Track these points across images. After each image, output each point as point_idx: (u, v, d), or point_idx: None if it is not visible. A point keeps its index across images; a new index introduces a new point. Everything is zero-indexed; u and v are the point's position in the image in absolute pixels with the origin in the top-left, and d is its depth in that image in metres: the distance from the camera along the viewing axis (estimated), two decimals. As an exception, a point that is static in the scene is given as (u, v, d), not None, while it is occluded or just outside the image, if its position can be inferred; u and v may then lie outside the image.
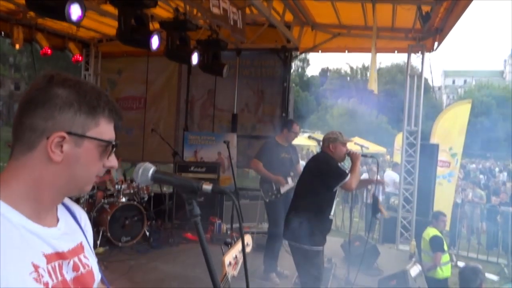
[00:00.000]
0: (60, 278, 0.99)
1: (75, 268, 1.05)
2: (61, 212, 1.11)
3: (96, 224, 5.83)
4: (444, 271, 6.01)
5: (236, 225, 5.84)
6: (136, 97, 8.79)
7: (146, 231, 6.20)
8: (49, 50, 7.25)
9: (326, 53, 9.34)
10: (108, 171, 5.16)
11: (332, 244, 3.97)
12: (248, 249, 1.86)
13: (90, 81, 8.58)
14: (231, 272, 1.69)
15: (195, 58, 6.01)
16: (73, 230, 1.12)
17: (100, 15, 6.58)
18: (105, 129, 1.03)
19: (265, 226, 6.23)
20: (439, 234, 6.17)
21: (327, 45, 7.67)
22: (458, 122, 9.57)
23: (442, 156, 8.97)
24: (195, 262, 5.33)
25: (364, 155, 4.36)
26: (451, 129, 9.54)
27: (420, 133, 7.22)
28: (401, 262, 6.07)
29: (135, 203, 6.17)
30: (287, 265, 5.52)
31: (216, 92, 8.28)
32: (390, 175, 11.39)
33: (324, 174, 3.82)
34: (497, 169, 23.89)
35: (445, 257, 6.10)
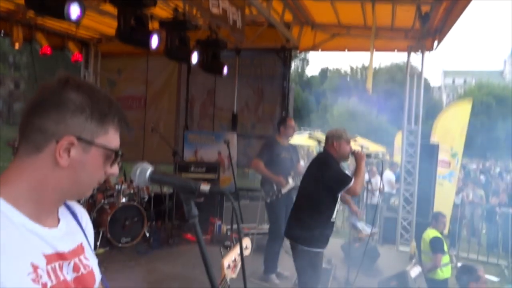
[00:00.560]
0: (60, 279, 0.99)
1: (76, 269, 1.05)
2: (62, 212, 1.10)
3: (96, 225, 5.82)
4: (444, 272, 6.00)
5: (236, 225, 5.83)
6: (136, 97, 8.78)
7: (146, 231, 6.19)
8: (48, 50, 7.24)
9: (325, 53, 9.36)
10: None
11: (332, 245, 3.95)
12: (247, 252, 1.85)
13: (89, 80, 8.63)
14: (230, 274, 1.68)
15: (194, 58, 6.01)
16: (74, 231, 1.12)
17: (99, 15, 6.57)
18: (113, 138, 1.04)
19: (265, 227, 6.23)
20: (439, 235, 6.16)
21: (327, 45, 7.67)
22: (459, 122, 9.56)
23: (442, 156, 8.96)
24: (195, 262, 5.32)
25: (368, 155, 4.27)
26: (451, 128, 9.53)
27: (420, 132, 7.21)
28: (401, 263, 6.07)
29: (135, 203, 6.16)
30: (287, 266, 5.51)
31: (216, 91, 8.29)
32: (387, 175, 11.39)
33: (327, 180, 3.70)
34: (498, 169, 23.88)
35: (445, 258, 6.10)
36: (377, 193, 10.91)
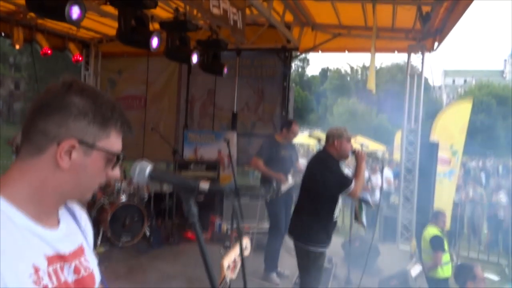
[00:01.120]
0: (61, 280, 0.99)
1: (76, 271, 1.06)
2: (62, 213, 1.11)
3: (96, 224, 5.84)
4: (445, 271, 6.00)
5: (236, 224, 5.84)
6: (136, 96, 8.80)
7: (146, 230, 6.21)
8: (49, 50, 7.26)
9: (326, 53, 9.36)
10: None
11: (333, 244, 3.96)
12: (246, 253, 1.86)
13: (90, 81, 8.65)
14: (230, 275, 1.69)
15: (195, 58, 6.02)
16: (74, 232, 1.13)
17: (100, 16, 6.58)
18: (114, 141, 1.05)
19: (265, 225, 6.24)
20: (439, 233, 6.16)
21: (327, 45, 7.66)
22: (459, 121, 9.55)
23: (442, 154, 8.96)
24: (196, 261, 5.29)
25: (369, 155, 4.26)
26: (451, 127, 9.52)
27: (420, 131, 7.21)
28: (401, 261, 6.07)
29: (135, 202, 6.17)
30: (287, 265, 5.53)
31: (216, 91, 8.30)
32: (384, 173, 11.39)
33: (328, 183, 3.68)
34: (498, 168, 23.85)
35: (446, 257, 6.10)
36: (377, 191, 10.93)
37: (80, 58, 8.13)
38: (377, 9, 5.78)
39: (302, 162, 5.61)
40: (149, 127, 7.75)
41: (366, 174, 11.59)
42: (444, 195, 8.97)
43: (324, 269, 4.28)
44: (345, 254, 6.02)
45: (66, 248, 1.05)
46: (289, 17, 6.89)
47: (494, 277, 8.51)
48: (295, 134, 5.40)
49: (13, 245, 0.90)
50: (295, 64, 45.64)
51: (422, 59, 6.99)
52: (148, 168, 1.13)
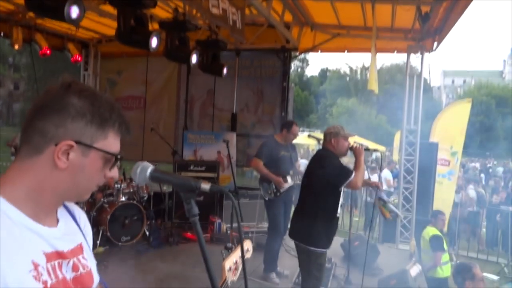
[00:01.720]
0: (59, 277, 1.00)
1: (75, 268, 1.06)
2: (61, 213, 1.12)
3: (95, 224, 5.84)
4: (444, 271, 6.01)
5: (236, 225, 5.84)
6: (136, 97, 8.80)
7: (145, 230, 6.20)
8: (48, 51, 7.24)
9: (325, 53, 9.36)
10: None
11: (332, 244, 3.96)
12: (248, 255, 1.85)
13: (89, 81, 8.65)
14: (231, 277, 1.68)
15: (194, 58, 6.01)
16: (73, 231, 1.13)
17: (99, 16, 6.58)
18: (112, 142, 1.05)
19: (264, 225, 6.24)
20: (439, 233, 6.16)
21: (327, 45, 7.67)
22: (459, 121, 9.57)
23: (442, 155, 8.98)
24: (195, 261, 5.34)
25: (367, 149, 4.29)
26: (451, 127, 9.54)
27: (420, 132, 7.22)
28: (401, 261, 6.07)
29: (135, 202, 6.17)
30: (287, 264, 5.53)
31: (215, 92, 8.30)
32: (384, 174, 11.41)
33: (328, 175, 3.72)
34: (497, 168, 23.88)
35: (445, 257, 6.10)
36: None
37: (79, 58, 8.12)
38: (376, 9, 5.78)
39: (302, 163, 5.62)
40: (148, 127, 7.75)
41: (366, 175, 11.61)
42: (444, 196, 9.00)
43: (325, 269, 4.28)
44: (344, 254, 6.03)
45: (65, 246, 1.05)
46: (288, 17, 6.89)
47: (493, 276, 8.51)
48: (295, 135, 5.40)
49: (12, 242, 0.91)
50: (294, 64, 45.72)
51: (422, 59, 7.00)
52: (150, 168, 1.14)
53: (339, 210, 3.86)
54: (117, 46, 6.67)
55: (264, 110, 8.12)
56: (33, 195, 0.99)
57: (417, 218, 7.05)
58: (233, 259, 1.72)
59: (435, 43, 6.92)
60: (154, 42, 4.99)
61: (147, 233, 6.24)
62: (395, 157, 13.32)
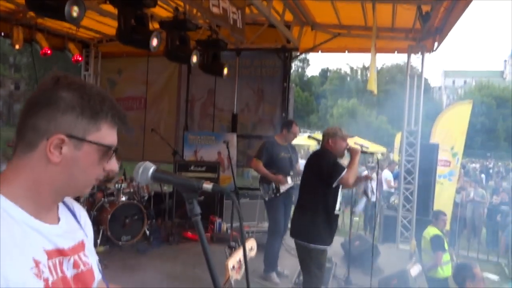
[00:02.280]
0: (60, 274, 1.00)
1: (76, 265, 1.06)
2: (62, 210, 1.12)
3: (96, 223, 5.83)
4: (445, 271, 6.00)
5: (236, 224, 5.84)
6: (136, 97, 8.80)
7: (146, 230, 6.20)
8: (49, 51, 7.25)
9: (326, 53, 9.35)
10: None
11: (333, 243, 3.97)
12: (252, 254, 1.85)
13: (90, 81, 8.64)
14: (235, 276, 1.68)
15: (195, 58, 6.01)
16: (74, 229, 1.13)
17: (100, 15, 6.58)
18: (107, 134, 1.04)
19: (264, 225, 6.24)
20: (439, 233, 6.16)
21: (327, 45, 7.66)
22: (459, 122, 9.58)
23: (443, 156, 8.98)
24: (196, 261, 5.34)
25: (364, 152, 4.34)
26: (452, 128, 9.55)
27: (420, 132, 7.22)
28: (401, 261, 6.07)
29: (135, 202, 6.17)
30: (287, 264, 5.53)
31: (216, 92, 8.30)
32: (385, 174, 11.41)
33: (322, 170, 3.80)
34: (498, 169, 23.88)
35: (446, 257, 6.10)
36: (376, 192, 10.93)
37: (80, 58, 8.13)
38: (377, 9, 5.78)
39: (302, 164, 5.61)
40: (149, 128, 7.76)
41: (365, 174, 11.61)
42: (445, 196, 9.00)
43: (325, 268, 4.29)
44: (344, 253, 6.03)
45: (66, 244, 1.05)
46: (288, 17, 6.89)
47: (493, 276, 8.51)
48: (295, 135, 5.40)
49: (12, 239, 0.91)
50: (295, 65, 45.76)
51: (422, 59, 7.00)
52: (152, 169, 1.14)
53: (338, 207, 3.90)
54: (117, 46, 6.68)
55: (265, 110, 8.12)
56: (31, 192, 0.99)
57: (418, 218, 7.05)
58: (237, 258, 1.72)
59: (436, 43, 6.92)
60: (154, 41, 4.99)
61: (148, 232, 6.24)
62: (396, 157, 13.31)
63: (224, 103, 8.29)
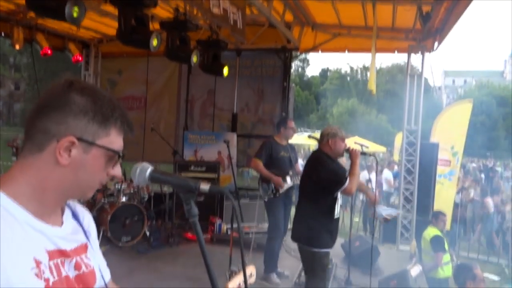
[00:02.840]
0: (61, 275, 1.00)
1: (77, 267, 1.06)
2: (66, 214, 1.12)
3: (96, 224, 5.71)
4: (445, 271, 6.00)
5: (236, 225, 5.84)
6: (136, 97, 8.80)
7: (146, 231, 6.20)
8: (49, 51, 7.26)
9: (326, 53, 9.36)
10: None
11: (333, 244, 3.97)
12: (252, 280, 1.86)
13: (90, 81, 8.64)
14: None
15: (195, 58, 6.01)
16: (77, 231, 1.14)
17: (100, 15, 6.58)
18: (115, 140, 1.06)
19: (264, 226, 6.23)
20: (439, 233, 6.16)
21: (327, 45, 7.67)
22: (459, 122, 9.56)
23: (443, 155, 8.97)
24: (196, 262, 5.32)
25: (364, 153, 4.30)
26: (452, 128, 9.54)
27: (420, 132, 7.21)
28: (401, 262, 6.07)
29: (135, 202, 6.17)
30: (287, 265, 5.53)
31: (216, 91, 8.30)
32: (385, 174, 11.41)
33: (323, 181, 3.72)
34: (500, 169, 23.85)
35: (446, 257, 6.10)
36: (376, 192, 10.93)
37: (80, 58, 8.14)
38: (377, 9, 5.78)
39: (301, 163, 5.62)
40: (149, 127, 7.75)
41: (366, 174, 11.62)
42: (445, 196, 8.98)
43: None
44: (345, 254, 6.02)
45: (68, 245, 1.06)
46: (289, 17, 6.89)
47: (494, 277, 8.50)
48: (293, 129, 5.40)
49: (14, 240, 0.92)
50: (295, 64, 45.71)
51: (422, 59, 7.00)
52: (149, 169, 1.14)
53: (337, 211, 3.86)
54: (117, 46, 6.68)
55: (265, 110, 8.12)
56: (36, 193, 0.99)
57: (418, 219, 7.04)
58: (237, 282, 1.72)
59: (436, 43, 6.91)
60: (154, 42, 4.99)
61: (148, 233, 6.24)
62: (396, 157, 13.31)
63: (224, 102, 8.29)
